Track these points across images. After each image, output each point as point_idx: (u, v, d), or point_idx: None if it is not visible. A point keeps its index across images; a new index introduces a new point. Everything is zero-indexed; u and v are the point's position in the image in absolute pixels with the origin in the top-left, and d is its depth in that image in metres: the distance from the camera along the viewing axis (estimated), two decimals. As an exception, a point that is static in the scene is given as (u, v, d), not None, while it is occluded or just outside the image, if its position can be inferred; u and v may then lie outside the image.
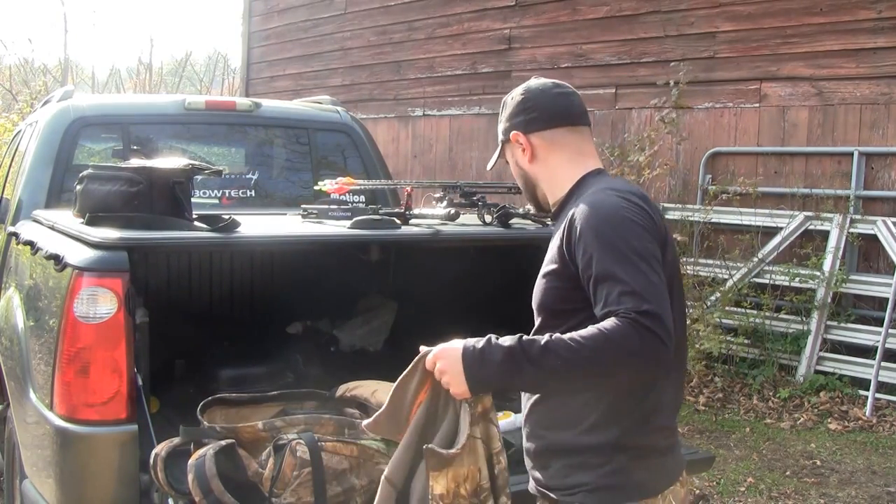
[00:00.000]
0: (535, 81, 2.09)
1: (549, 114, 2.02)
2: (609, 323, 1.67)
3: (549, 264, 1.91)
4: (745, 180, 6.70)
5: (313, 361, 3.61)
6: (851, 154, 6.43)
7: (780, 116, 6.88)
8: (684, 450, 2.18)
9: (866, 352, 6.06)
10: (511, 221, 3.24)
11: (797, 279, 6.33)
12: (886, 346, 5.84)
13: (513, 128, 2.04)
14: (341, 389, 2.87)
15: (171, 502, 2.36)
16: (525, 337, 1.76)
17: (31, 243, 3.03)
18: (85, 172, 3.00)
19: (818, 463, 5.05)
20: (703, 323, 6.18)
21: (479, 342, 1.78)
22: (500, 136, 2.12)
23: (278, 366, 3.48)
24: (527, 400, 1.97)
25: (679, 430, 2.17)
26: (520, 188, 2.14)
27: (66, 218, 3.00)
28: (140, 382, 2.46)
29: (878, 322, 6.04)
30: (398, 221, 3.10)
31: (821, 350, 6.21)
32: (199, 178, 3.56)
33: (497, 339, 1.78)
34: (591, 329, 1.69)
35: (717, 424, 5.68)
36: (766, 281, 6.47)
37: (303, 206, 3.44)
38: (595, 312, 1.73)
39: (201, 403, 2.59)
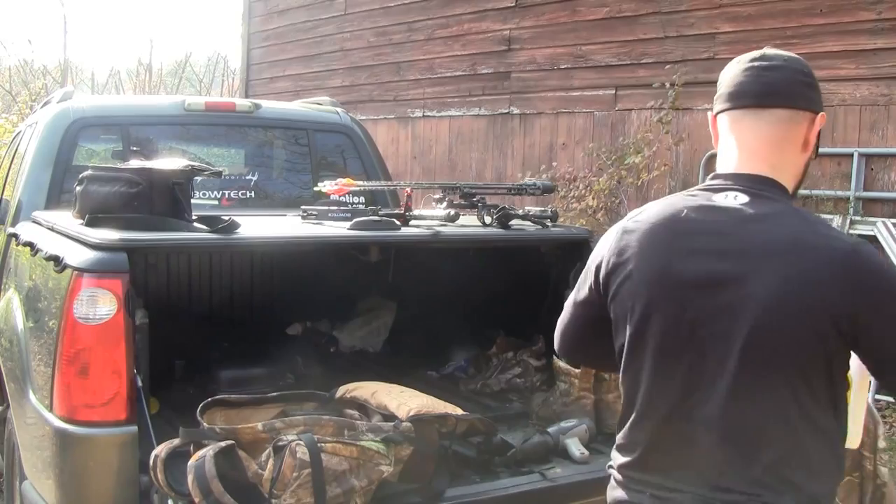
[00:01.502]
0: (750, 54, 1.76)
1: (729, 92, 1.73)
2: None
3: None
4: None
5: (313, 362, 3.61)
6: (851, 155, 6.43)
7: (779, 117, 6.86)
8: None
9: (866, 353, 6.05)
10: (510, 223, 3.24)
11: (797, 280, 6.33)
12: (886, 347, 5.84)
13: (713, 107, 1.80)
14: (341, 391, 2.87)
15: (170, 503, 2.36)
16: None
17: (30, 244, 3.02)
18: (85, 173, 3.00)
19: (818, 464, 5.04)
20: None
21: None
22: None
23: (278, 367, 3.48)
24: None
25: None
26: None
27: (66, 219, 3.00)
28: (140, 383, 2.46)
29: (878, 323, 6.03)
30: (398, 222, 3.10)
31: (821, 351, 6.20)
32: (198, 179, 3.56)
33: None
34: None
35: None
36: (766, 282, 6.46)
37: (303, 207, 3.44)
38: None
39: (201, 404, 2.59)
